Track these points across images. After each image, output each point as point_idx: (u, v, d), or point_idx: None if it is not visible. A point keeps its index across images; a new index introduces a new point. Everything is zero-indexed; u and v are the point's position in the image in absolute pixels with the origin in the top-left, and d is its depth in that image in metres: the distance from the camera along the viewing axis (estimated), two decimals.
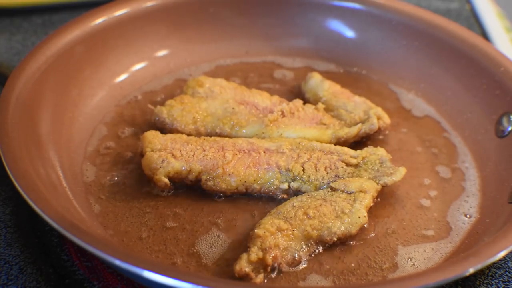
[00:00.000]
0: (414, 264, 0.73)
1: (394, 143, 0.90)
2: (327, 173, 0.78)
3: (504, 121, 0.86)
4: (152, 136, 0.81)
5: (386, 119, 0.89)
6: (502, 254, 0.63)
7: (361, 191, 0.76)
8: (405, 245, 0.75)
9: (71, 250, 0.73)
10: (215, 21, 1.05)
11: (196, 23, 1.04)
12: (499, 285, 0.74)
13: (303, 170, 0.78)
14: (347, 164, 0.80)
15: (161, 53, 1.01)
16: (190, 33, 1.03)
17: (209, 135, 0.86)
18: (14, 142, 0.72)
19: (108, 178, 0.81)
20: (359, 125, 0.86)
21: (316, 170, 0.78)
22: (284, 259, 0.70)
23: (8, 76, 0.80)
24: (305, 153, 0.80)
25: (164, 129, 0.86)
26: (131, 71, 0.98)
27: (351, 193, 0.76)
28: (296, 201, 0.75)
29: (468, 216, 0.80)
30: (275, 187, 0.78)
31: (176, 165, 0.77)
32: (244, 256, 0.68)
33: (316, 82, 0.95)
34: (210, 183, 0.77)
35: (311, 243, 0.72)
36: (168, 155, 0.78)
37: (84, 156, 0.84)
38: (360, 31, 1.05)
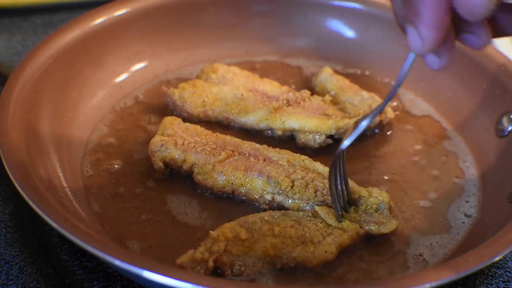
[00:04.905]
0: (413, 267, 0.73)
1: (394, 142, 0.90)
2: (315, 196, 0.75)
3: (504, 121, 0.86)
4: (169, 121, 0.84)
5: (390, 114, 0.90)
6: (502, 254, 0.63)
7: (340, 228, 0.72)
8: (405, 246, 0.75)
9: (71, 250, 0.73)
10: (215, 20, 1.05)
11: (196, 23, 1.04)
12: (499, 285, 0.74)
13: (292, 186, 0.75)
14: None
15: (161, 53, 1.01)
16: (190, 33, 1.03)
17: (217, 118, 0.90)
18: (14, 142, 0.72)
19: (108, 177, 0.81)
20: (360, 117, 0.86)
21: (305, 189, 0.75)
22: (232, 268, 0.67)
23: (8, 76, 0.80)
24: (302, 170, 0.78)
25: (175, 110, 0.90)
26: (131, 71, 0.98)
27: (330, 225, 0.72)
28: (267, 215, 0.73)
29: (468, 216, 0.80)
30: (259, 195, 0.77)
31: (172, 152, 0.80)
32: (190, 252, 0.67)
33: (326, 76, 0.96)
34: (199, 177, 0.78)
35: (267, 261, 0.68)
36: (169, 141, 0.80)
37: (84, 155, 0.84)
38: (360, 31, 1.05)
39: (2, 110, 0.75)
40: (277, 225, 0.71)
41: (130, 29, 0.98)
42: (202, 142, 0.81)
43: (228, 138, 0.83)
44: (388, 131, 0.92)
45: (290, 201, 0.75)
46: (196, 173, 0.79)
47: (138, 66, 0.99)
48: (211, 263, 0.66)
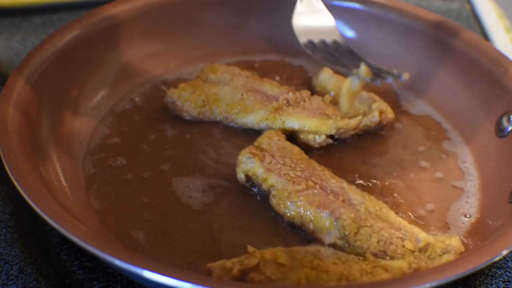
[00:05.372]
0: None
1: (393, 142, 0.90)
2: (377, 244, 0.71)
3: (504, 121, 0.86)
4: (269, 135, 0.83)
5: (390, 114, 0.90)
6: (502, 254, 0.63)
7: (383, 268, 0.67)
8: None
9: (71, 250, 0.73)
10: (215, 20, 1.05)
11: (196, 23, 1.04)
12: (499, 285, 0.74)
13: (356, 233, 0.71)
14: (404, 246, 0.71)
15: (161, 52, 1.01)
16: (190, 33, 1.04)
17: (217, 118, 0.90)
18: (14, 142, 0.72)
19: (108, 175, 0.81)
20: (360, 117, 0.87)
21: (368, 238, 0.71)
22: (260, 285, 0.65)
23: (8, 76, 0.80)
24: (374, 219, 0.73)
25: (175, 110, 0.90)
26: (131, 71, 0.98)
27: (375, 266, 0.67)
28: (314, 249, 0.70)
29: (468, 216, 0.80)
30: (323, 236, 0.73)
31: (256, 167, 0.78)
32: (222, 261, 0.66)
33: (326, 77, 0.96)
34: (274, 201, 0.76)
35: None
36: (258, 156, 0.79)
37: (85, 155, 0.84)
38: (360, 31, 1.05)
39: (2, 110, 0.75)
40: (320, 260, 0.68)
41: (130, 29, 0.98)
42: (290, 166, 0.78)
43: (319, 169, 0.80)
44: (388, 131, 0.92)
45: (350, 248, 0.71)
46: (272, 196, 0.76)
47: (138, 66, 0.99)
48: (235, 271, 0.64)
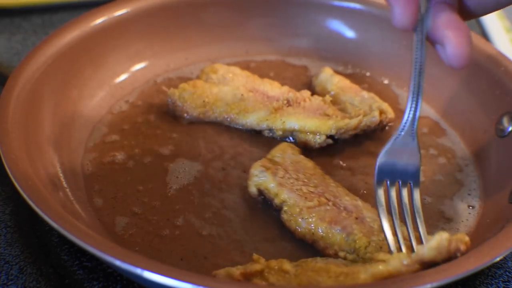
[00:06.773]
0: None
1: None
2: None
3: (504, 121, 0.86)
4: (283, 148, 0.82)
5: (390, 114, 0.90)
6: (502, 254, 0.63)
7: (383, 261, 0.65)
8: None
9: (71, 250, 0.73)
10: (215, 20, 1.05)
11: (196, 23, 1.04)
12: (499, 285, 0.74)
13: (367, 246, 0.69)
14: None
15: (161, 53, 1.01)
16: (190, 33, 1.04)
17: (217, 119, 0.90)
18: (14, 142, 0.72)
19: (108, 175, 0.81)
20: (360, 117, 0.87)
21: (378, 249, 0.69)
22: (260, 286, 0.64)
23: (8, 76, 0.80)
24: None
25: (175, 111, 0.90)
26: (131, 71, 0.98)
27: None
28: (322, 257, 0.69)
29: (468, 212, 0.80)
30: (333, 252, 0.71)
31: (268, 181, 0.76)
32: (227, 268, 0.65)
33: (326, 77, 0.96)
34: (285, 216, 0.74)
35: None
36: (270, 169, 0.77)
37: (84, 153, 0.84)
38: (360, 31, 1.05)
39: (2, 110, 0.75)
40: (325, 264, 0.66)
41: (130, 29, 0.98)
42: (303, 181, 0.76)
43: (333, 185, 0.77)
44: (388, 131, 0.92)
45: (359, 259, 0.69)
46: (284, 211, 0.74)
47: (138, 66, 0.99)
48: (237, 274, 0.63)
